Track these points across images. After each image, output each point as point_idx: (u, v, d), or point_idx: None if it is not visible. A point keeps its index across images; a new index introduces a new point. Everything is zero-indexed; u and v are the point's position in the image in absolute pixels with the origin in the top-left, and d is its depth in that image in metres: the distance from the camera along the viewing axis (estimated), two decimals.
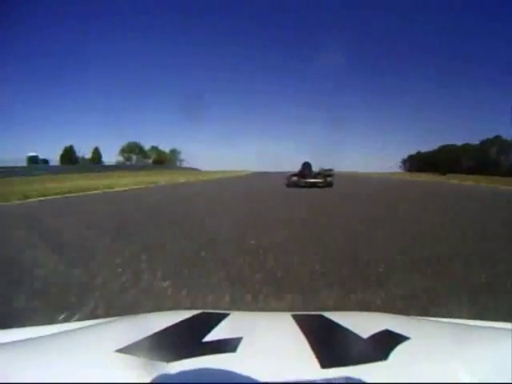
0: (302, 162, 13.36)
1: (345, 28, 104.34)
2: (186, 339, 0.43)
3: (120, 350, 0.38)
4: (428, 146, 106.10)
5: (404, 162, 73.13)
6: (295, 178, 12.10)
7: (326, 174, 12.54)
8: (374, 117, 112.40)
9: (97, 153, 46.51)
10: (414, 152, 71.43)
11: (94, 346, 0.43)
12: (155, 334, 0.43)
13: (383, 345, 0.39)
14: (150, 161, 59.14)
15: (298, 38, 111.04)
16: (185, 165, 64.26)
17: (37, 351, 0.41)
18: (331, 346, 0.41)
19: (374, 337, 0.42)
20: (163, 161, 59.54)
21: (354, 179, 23.48)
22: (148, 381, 0.32)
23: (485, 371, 0.35)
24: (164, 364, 0.35)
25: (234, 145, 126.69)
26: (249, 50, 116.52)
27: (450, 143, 60.53)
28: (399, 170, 69.44)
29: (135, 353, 0.37)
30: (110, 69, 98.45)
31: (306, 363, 0.35)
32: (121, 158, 54.54)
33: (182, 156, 70.29)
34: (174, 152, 68.81)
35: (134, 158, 57.57)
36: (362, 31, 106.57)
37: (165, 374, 0.33)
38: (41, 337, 0.47)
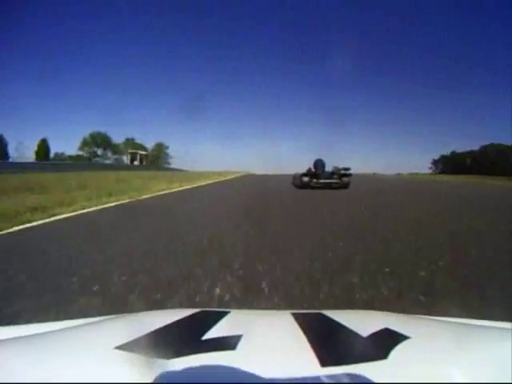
0: (305, 162, 11.85)
1: (353, 27, 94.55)
2: (186, 337, 0.42)
3: (119, 348, 0.37)
4: (454, 146, 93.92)
5: (435, 162, 61.15)
6: (306, 179, 9.93)
7: (341, 173, 10.05)
8: (389, 116, 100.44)
9: (43, 146, 35.51)
10: (446, 152, 59.97)
11: (94, 343, 0.42)
12: (154, 331, 0.43)
13: (383, 343, 0.39)
14: (127, 158, 48.19)
15: (300, 39, 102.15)
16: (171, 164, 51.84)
17: (36, 348, 0.40)
18: (331, 343, 0.40)
19: (373, 335, 0.42)
20: (143, 159, 48.45)
21: (380, 183, 13.05)
22: (148, 378, 0.32)
23: (484, 371, 0.34)
24: (163, 361, 0.34)
25: (227, 144, 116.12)
26: (250, 50, 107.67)
27: (496, 143, 49.15)
28: (428, 171, 57.80)
29: (135, 350, 0.36)
30: (107, 67, 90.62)
31: (306, 361, 0.35)
32: (83, 154, 42.74)
33: (170, 152, 56.38)
34: (160, 147, 55.51)
35: (101, 153, 45.76)
36: (377, 28, 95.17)
37: (164, 372, 0.32)
38: (39, 334, 0.46)
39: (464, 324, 0.55)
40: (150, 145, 54.25)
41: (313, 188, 9.69)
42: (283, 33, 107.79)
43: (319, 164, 10.66)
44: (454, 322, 0.56)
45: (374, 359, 0.35)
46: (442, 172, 53.10)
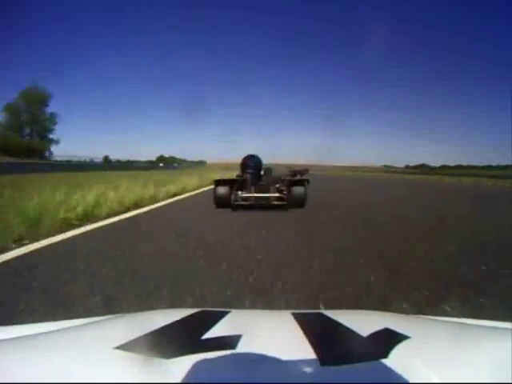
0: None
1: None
2: (186, 336, 0.43)
3: (119, 347, 0.37)
4: None
5: None
6: (223, 190, 5.28)
7: (291, 180, 5.81)
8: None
9: None
10: None
11: (94, 343, 0.42)
12: (154, 331, 0.43)
13: (383, 343, 0.40)
14: None
15: (300, 32, 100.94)
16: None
17: (35, 348, 0.40)
18: (331, 343, 0.41)
19: (373, 335, 0.42)
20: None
21: None
22: (148, 378, 0.32)
23: (484, 371, 0.35)
24: (163, 361, 0.34)
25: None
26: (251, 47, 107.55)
27: None
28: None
29: (134, 350, 0.37)
30: (106, 65, 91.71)
31: (306, 361, 0.36)
32: None
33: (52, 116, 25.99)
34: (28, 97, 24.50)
35: None
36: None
37: (164, 371, 0.33)
38: (39, 334, 0.47)
39: (464, 324, 0.56)
40: None
41: (236, 208, 5.12)
42: (283, 27, 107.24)
43: (251, 164, 5.76)
44: (454, 322, 0.58)
45: (373, 359, 0.35)
46: None
